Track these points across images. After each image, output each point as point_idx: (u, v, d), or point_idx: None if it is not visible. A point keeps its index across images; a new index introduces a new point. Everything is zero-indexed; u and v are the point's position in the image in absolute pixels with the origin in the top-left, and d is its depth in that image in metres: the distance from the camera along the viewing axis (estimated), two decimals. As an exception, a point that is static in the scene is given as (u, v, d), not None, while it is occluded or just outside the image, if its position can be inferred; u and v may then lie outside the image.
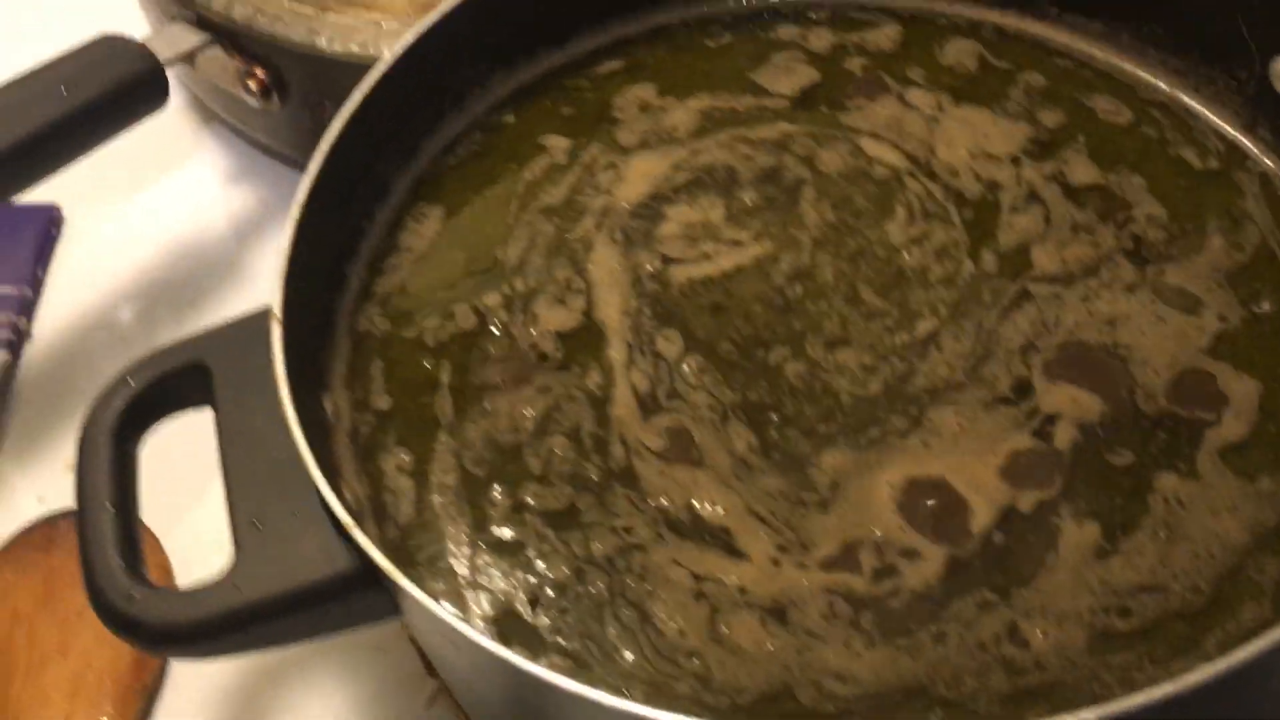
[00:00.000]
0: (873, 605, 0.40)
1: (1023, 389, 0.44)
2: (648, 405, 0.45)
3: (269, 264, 0.67)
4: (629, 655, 0.40)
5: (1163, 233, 0.47)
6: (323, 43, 0.59)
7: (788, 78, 0.54)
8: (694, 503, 0.42)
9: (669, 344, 0.46)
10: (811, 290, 0.47)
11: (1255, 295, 0.45)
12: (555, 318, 0.47)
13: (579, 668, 0.39)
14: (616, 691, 0.38)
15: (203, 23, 0.61)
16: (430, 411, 0.45)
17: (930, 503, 0.42)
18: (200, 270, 0.67)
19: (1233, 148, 0.50)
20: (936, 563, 0.40)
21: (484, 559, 0.42)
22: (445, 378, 0.46)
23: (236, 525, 0.40)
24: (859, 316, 0.46)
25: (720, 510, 0.42)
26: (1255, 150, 0.50)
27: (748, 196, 0.50)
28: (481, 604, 0.41)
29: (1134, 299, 0.46)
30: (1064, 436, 0.43)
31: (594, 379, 0.45)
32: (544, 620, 0.40)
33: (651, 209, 0.50)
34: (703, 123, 0.52)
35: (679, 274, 0.48)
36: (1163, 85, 0.53)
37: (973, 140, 0.50)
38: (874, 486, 0.42)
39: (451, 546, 0.42)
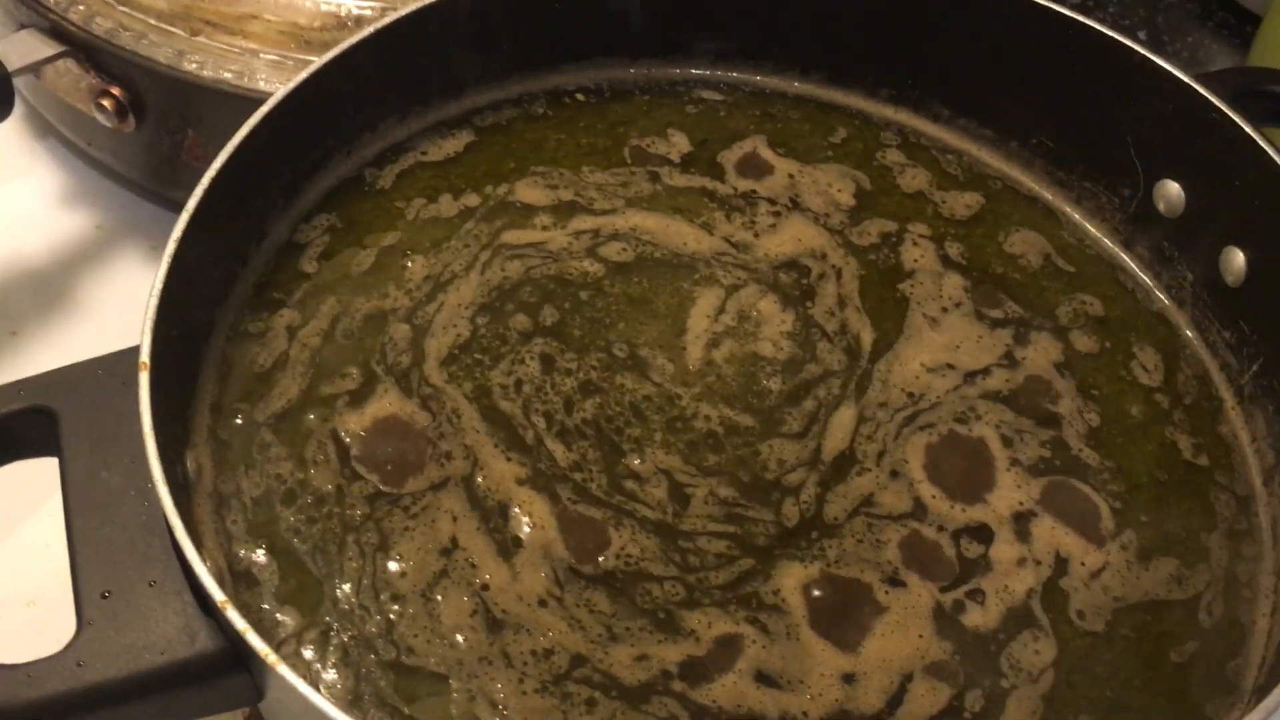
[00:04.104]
0: (584, 676, 0.39)
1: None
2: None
3: (104, 294, 0.64)
4: (346, 582, 0.40)
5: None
6: (193, 67, 0.55)
7: (879, 218, 0.52)
8: (514, 509, 0.42)
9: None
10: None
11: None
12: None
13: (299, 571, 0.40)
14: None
15: (58, 33, 0.56)
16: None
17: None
18: (23, 295, 0.62)
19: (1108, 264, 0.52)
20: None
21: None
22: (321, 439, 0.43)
23: (82, 594, 0.36)
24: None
25: (530, 523, 0.42)
26: (1132, 265, 0.52)
27: (778, 382, 0.46)
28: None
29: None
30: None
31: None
32: (290, 518, 0.41)
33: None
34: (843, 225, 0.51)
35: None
36: (1046, 195, 0.54)
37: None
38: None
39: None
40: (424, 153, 0.52)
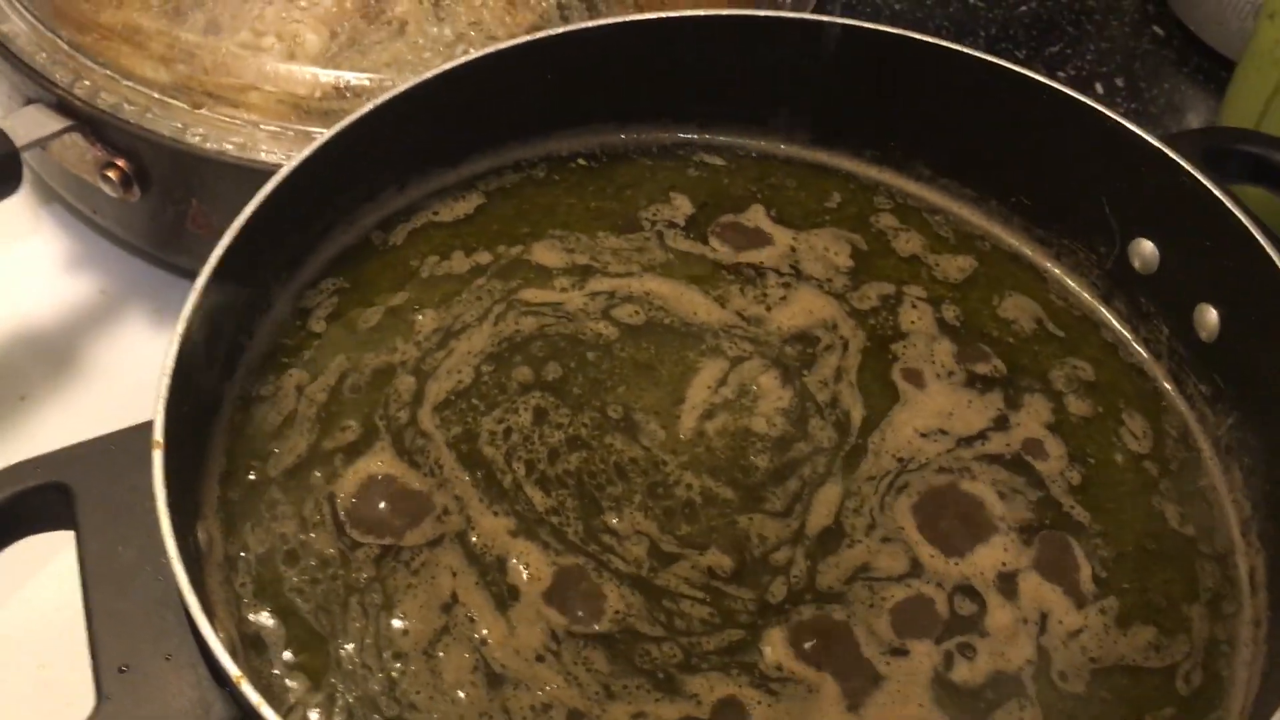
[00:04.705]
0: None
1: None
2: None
3: (110, 357, 0.65)
4: (350, 642, 0.41)
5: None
6: (196, 140, 0.57)
7: (877, 281, 0.53)
8: (511, 561, 0.43)
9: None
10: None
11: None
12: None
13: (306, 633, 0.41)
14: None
15: (64, 107, 0.57)
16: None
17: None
18: (30, 358, 0.63)
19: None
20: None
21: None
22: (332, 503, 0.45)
23: (101, 668, 0.37)
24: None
25: (527, 574, 0.43)
26: (1112, 320, 0.54)
27: (765, 460, 0.47)
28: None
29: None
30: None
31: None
32: (292, 578, 0.42)
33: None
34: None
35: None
36: (1026, 251, 0.55)
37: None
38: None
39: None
40: (435, 213, 0.54)
